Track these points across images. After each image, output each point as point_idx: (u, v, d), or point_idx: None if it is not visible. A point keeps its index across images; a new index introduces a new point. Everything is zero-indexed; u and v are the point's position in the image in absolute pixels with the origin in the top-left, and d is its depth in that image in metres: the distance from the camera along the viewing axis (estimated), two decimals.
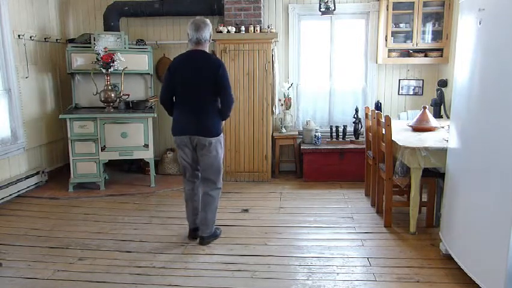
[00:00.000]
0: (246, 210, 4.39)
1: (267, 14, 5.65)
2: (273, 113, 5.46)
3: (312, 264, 3.21)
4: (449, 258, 3.13)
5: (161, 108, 5.90)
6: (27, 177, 4.93)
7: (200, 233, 3.58)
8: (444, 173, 3.36)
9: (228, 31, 5.14)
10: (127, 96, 5.26)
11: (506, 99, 2.39)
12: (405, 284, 2.90)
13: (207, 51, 3.47)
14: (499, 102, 2.46)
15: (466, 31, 2.93)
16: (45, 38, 5.35)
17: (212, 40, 5.26)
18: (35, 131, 5.17)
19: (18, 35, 4.85)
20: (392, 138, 3.75)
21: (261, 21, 5.33)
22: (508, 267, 2.37)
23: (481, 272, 2.68)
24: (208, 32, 3.40)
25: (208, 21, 3.44)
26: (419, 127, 4.12)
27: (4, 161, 4.67)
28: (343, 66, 5.77)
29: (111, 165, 5.58)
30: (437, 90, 5.16)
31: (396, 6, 5.24)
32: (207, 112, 3.39)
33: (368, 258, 3.29)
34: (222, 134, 3.49)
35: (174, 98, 3.48)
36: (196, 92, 3.37)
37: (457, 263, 2.99)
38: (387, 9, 5.24)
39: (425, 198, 3.91)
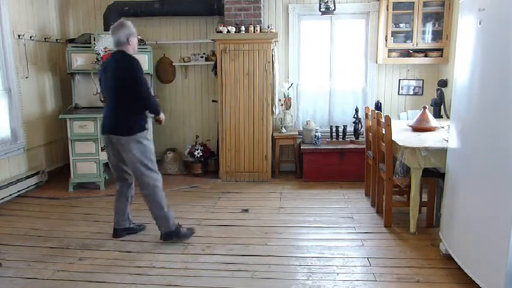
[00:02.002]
0: (246, 210, 4.39)
1: (267, 14, 5.65)
2: (273, 113, 5.46)
3: (312, 264, 3.21)
4: (449, 258, 3.13)
5: (161, 108, 5.91)
6: (27, 177, 4.93)
7: (159, 230, 3.63)
8: (444, 173, 3.36)
9: (228, 31, 5.14)
10: None
11: (506, 99, 2.39)
12: (405, 284, 2.90)
13: (129, 51, 3.45)
14: (499, 102, 2.46)
15: (466, 31, 2.93)
16: (45, 38, 5.35)
17: (212, 40, 5.33)
18: (35, 131, 5.17)
19: (18, 35, 4.85)
20: (392, 138, 3.75)
21: (261, 21, 5.33)
22: (508, 267, 2.37)
23: (481, 272, 2.68)
24: (123, 33, 3.39)
25: (126, 23, 3.45)
26: (419, 127, 4.12)
27: (4, 161, 4.67)
28: (343, 66, 5.78)
29: None
30: (437, 90, 5.16)
31: (396, 6, 5.24)
32: (122, 111, 3.44)
33: (368, 258, 3.29)
34: (143, 133, 3.46)
35: None
36: (113, 92, 3.45)
37: (457, 263, 2.99)
38: (387, 9, 5.24)
39: (425, 198, 3.91)
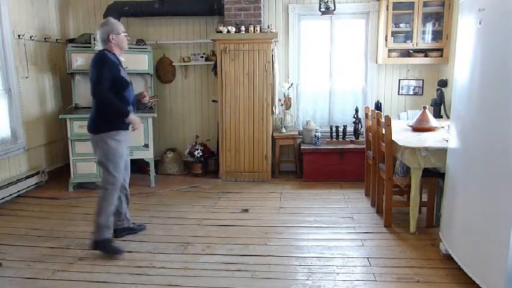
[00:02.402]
0: (246, 210, 4.39)
1: (267, 14, 5.65)
2: (273, 113, 5.46)
3: (312, 264, 3.21)
4: (449, 258, 3.13)
5: (161, 108, 5.92)
6: (27, 177, 4.92)
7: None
8: (444, 173, 3.36)
9: (228, 31, 5.14)
10: None
11: (506, 99, 2.39)
12: (405, 284, 2.90)
13: (113, 49, 3.41)
14: (499, 102, 2.46)
15: (466, 31, 2.93)
16: (45, 38, 5.35)
17: (212, 40, 5.33)
18: (35, 131, 5.17)
19: (18, 35, 4.84)
20: (392, 138, 3.75)
21: (261, 21, 5.33)
22: (508, 267, 2.37)
23: (481, 272, 2.68)
24: (104, 31, 3.37)
25: (109, 20, 3.43)
26: (419, 127, 4.12)
27: (4, 161, 4.67)
28: (343, 66, 5.77)
29: None
30: (437, 90, 5.16)
31: (396, 6, 5.24)
32: (93, 110, 3.46)
33: (368, 258, 3.29)
34: (110, 133, 3.37)
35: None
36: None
37: (457, 263, 2.99)
38: (387, 9, 5.24)
39: (425, 198, 3.91)
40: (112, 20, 3.47)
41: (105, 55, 3.36)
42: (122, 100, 3.42)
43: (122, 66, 3.49)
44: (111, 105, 3.37)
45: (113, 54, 3.43)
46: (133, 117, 3.43)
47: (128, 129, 3.49)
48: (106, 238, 3.43)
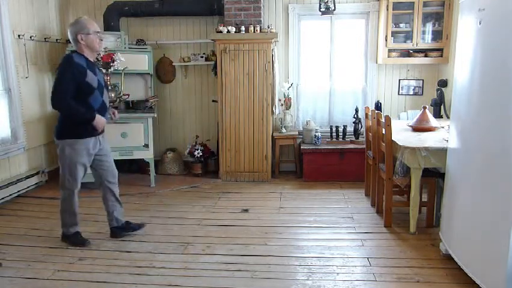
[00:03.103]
0: (246, 210, 4.39)
1: (267, 14, 5.65)
2: (273, 113, 5.46)
3: (312, 264, 3.21)
4: (449, 258, 3.13)
5: (161, 108, 5.93)
6: (27, 177, 4.92)
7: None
8: (444, 173, 3.36)
9: (228, 31, 5.14)
10: (127, 96, 5.25)
11: (506, 99, 2.39)
12: (405, 284, 2.90)
13: (83, 50, 3.27)
14: (499, 102, 2.46)
15: (466, 31, 2.93)
16: (45, 38, 5.35)
17: (212, 40, 5.33)
18: (35, 131, 5.17)
19: (18, 35, 4.84)
20: (392, 138, 3.75)
21: (261, 21, 5.33)
22: (508, 267, 2.37)
23: (481, 272, 2.68)
24: (72, 31, 3.24)
25: (78, 20, 3.29)
26: (419, 127, 4.12)
27: (4, 161, 4.67)
28: (343, 66, 5.77)
29: None
30: (437, 90, 5.16)
31: (396, 6, 5.24)
32: (59, 115, 3.39)
33: (368, 258, 3.29)
34: (67, 141, 3.33)
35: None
36: None
37: (457, 263, 2.99)
38: (387, 9, 5.24)
39: (425, 198, 3.91)
40: (83, 18, 3.30)
41: (70, 59, 3.21)
42: (87, 106, 3.28)
43: (92, 69, 3.31)
44: (71, 112, 3.25)
45: (82, 56, 3.27)
46: (97, 120, 3.32)
47: (92, 136, 3.39)
48: (71, 233, 3.55)
